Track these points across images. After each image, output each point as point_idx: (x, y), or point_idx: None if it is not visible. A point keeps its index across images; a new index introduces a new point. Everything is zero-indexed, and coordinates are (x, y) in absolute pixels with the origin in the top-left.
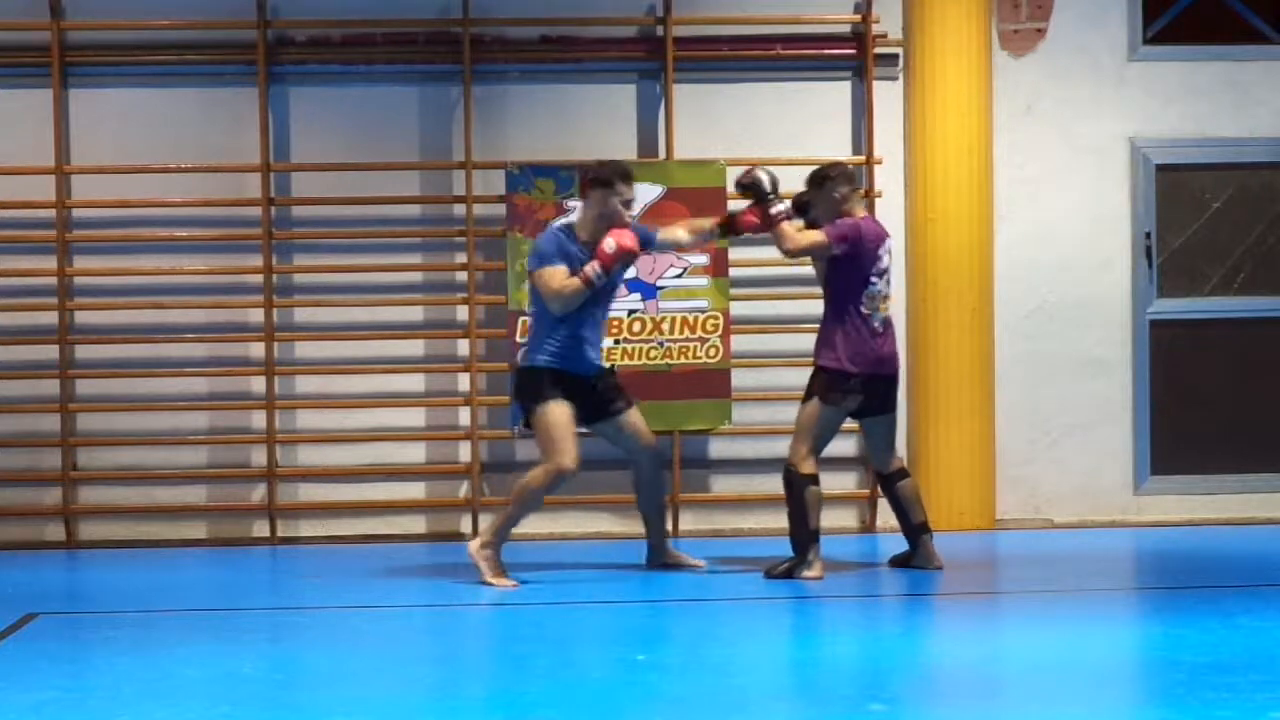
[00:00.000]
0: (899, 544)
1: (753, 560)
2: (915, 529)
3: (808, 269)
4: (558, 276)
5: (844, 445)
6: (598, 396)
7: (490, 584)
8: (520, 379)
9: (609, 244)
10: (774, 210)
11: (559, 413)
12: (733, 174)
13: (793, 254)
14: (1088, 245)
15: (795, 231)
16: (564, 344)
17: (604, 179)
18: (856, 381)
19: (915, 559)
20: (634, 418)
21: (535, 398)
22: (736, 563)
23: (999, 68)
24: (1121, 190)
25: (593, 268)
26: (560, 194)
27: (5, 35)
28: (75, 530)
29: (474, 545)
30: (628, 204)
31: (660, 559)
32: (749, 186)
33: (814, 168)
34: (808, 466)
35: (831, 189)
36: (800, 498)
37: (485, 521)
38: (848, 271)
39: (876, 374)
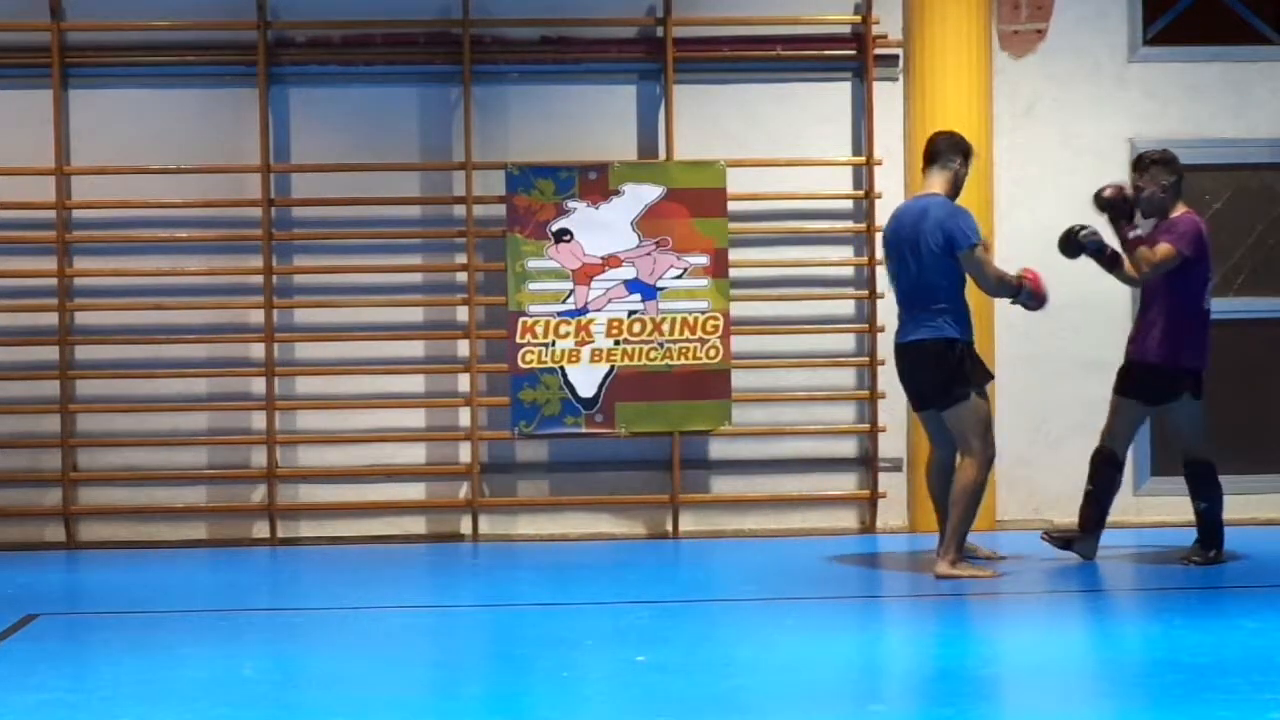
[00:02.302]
0: (900, 544)
1: (751, 562)
2: (1101, 521)
3: (812, 270)
4: (992, 259)
5: (844, 445)
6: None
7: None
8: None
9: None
10: (1131, 235)
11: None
12: (733, 174)
13: (1148, 278)
14: None
15: (1149, 252)
16: (968, 316)
17: (966, 151)
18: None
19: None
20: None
21: (967, 380)
22: (734, 564)
23: (999, 69)
24: None
25: (1028, 285)
26: (560, 194)
27: (5, 36)
28: (75, 531)
29: (942, 566)
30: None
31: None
32: (1112, 204)
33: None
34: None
35: (1158, 176)
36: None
37: (486, 526)
38: (1190, 271)
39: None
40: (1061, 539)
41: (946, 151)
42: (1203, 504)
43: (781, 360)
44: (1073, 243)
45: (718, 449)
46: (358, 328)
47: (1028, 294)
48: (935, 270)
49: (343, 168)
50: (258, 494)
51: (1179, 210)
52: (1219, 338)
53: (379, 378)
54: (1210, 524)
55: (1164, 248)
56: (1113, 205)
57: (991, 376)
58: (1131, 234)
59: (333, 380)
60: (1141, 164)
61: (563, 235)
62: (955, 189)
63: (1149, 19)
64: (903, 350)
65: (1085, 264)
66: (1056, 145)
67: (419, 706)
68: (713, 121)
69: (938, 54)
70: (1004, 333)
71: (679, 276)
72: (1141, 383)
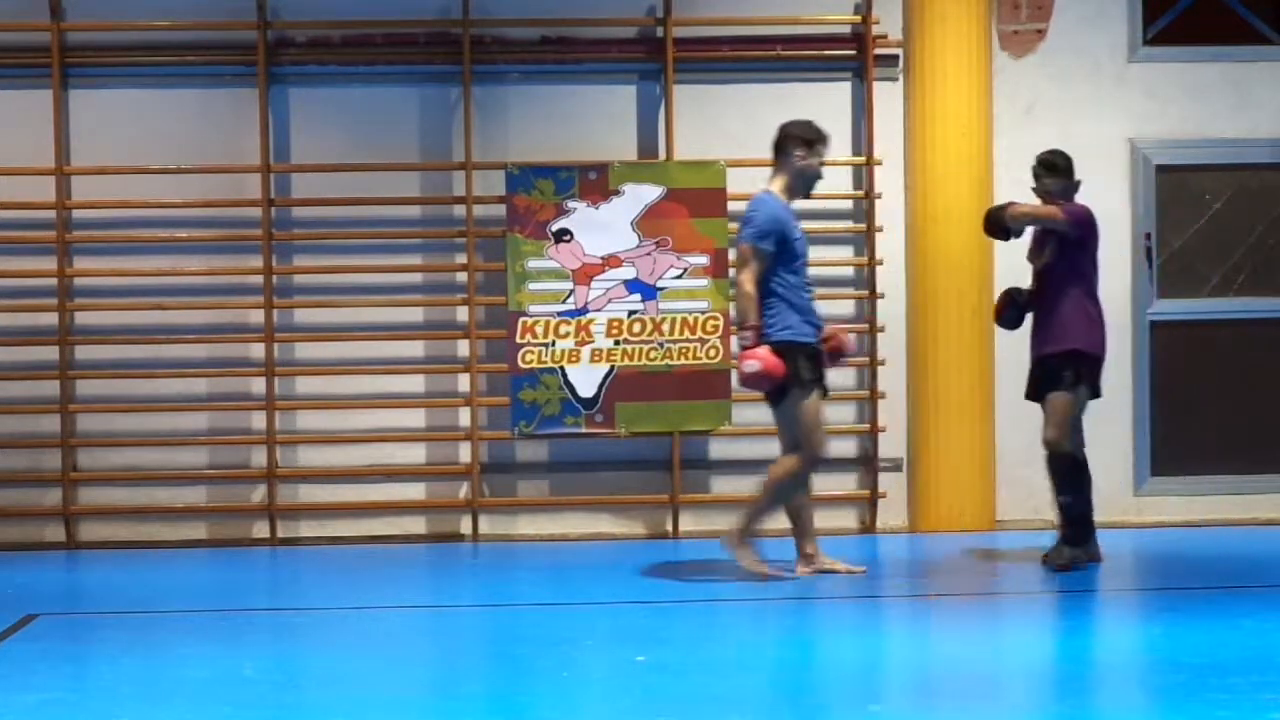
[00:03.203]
0: (901, 544)
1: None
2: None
3: (811, 270)
4: (755, 273)
5: (844, 446)
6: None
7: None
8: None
9: (751, 365)
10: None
11: (814, 394)
12: (733, 174)
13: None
14: None
15: (1049, 212)
16: (798, 313)
17: (809, 139)
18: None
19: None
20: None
21: (797, 381)
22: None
23: (999, 69)
24: (1122, 191)
25: (747, 336)
26: (560, 194)
27: (5, 36)
28: (75, 531)
29: (729, 539)
30: (822, 165)
31: (823, 565)
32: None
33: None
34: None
35: (1057, 179)
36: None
37: (486, 526)
38: (1076, 256)
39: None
40: (1068, 565)
41: (785, 144)
42: (1065, 498)
43: None
44: (1000, 224)
45: (718, 449)
46: (358, 328)
47: (744, 343)
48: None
49: (343, 168)
50: (258, 494)
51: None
52: (1219, 338)
53: (379, 378)
54: (1072, 521)
55: (1062, 216)
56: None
57: (823, 379)
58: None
59: (333, 380)
60: (1054, 167)
61: (563, 235)
62: (798, 182)
63: (1149, 19)
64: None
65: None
66: (1056, 145)
67: (419, 706)
68: (713, 121)
69: (938, 54)
70: (1004, 333)
71: (679, 276)
72: (1057, 373)
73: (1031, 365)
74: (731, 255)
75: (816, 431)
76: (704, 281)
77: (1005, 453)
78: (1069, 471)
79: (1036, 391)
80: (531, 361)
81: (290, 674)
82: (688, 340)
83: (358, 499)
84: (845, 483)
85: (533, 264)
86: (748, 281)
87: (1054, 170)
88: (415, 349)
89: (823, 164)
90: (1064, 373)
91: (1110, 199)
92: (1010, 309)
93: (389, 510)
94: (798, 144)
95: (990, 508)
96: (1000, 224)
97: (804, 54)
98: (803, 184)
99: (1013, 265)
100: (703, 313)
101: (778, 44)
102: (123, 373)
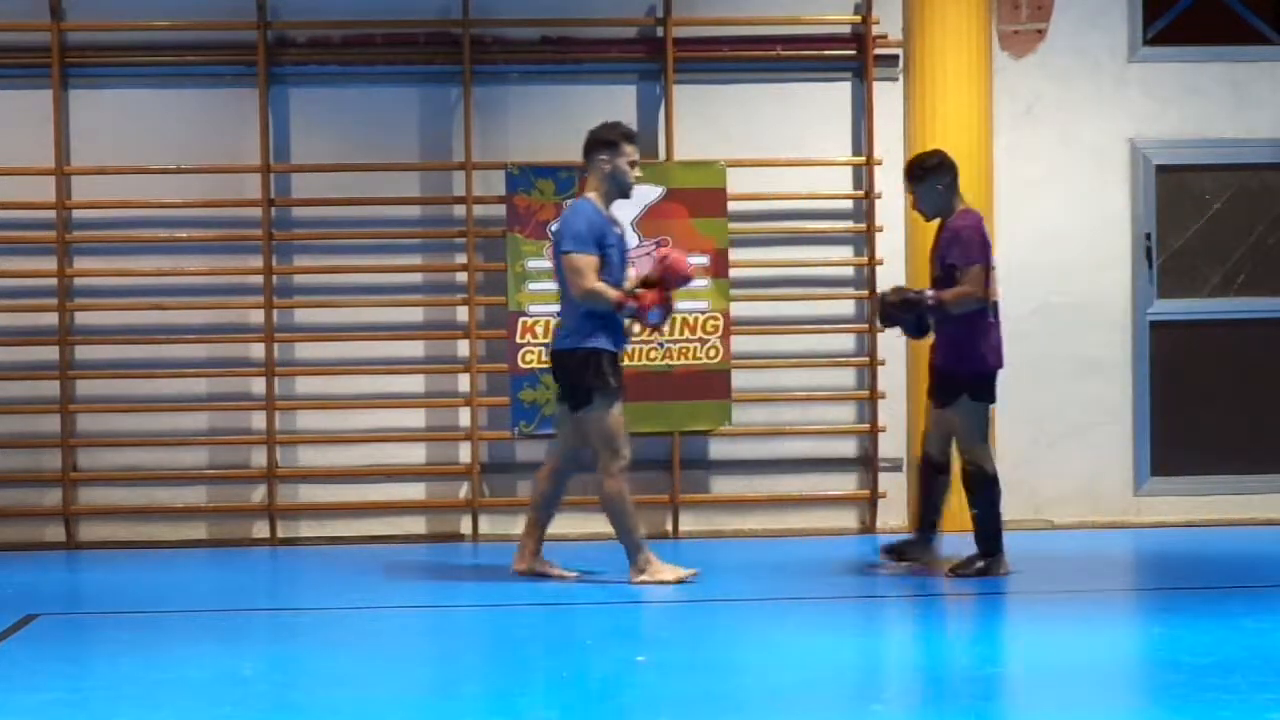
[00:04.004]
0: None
1: (751, 562)
2: (934, 524)
3: (811, 270)
4: (590, 268)
5: (844, 446)
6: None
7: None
8: (573, 363)
9: (655, 316)
10: (930, 299)
11: (618, 403)
12: (733, 174)
13: (979, 302)
14: (1088, 246)
15: (958, 292)
16: (605, 321)
17: (610, 140)
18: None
19: (913, 550)
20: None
21: (599, 387)
22: (735, 564)
23: (999, 69)
24: (1122, 191)
25: (630, 305)
26: (560, 194)
27: (5, 36)
28: (75, 531)
29: (633, 575)
30: (633, 165)
31: (538, 567)
32: (898, 309)
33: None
34: (990, 464)
35: (935, 181)
36: (992, 496)
37: (486, 526)
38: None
39: (1000, 366)
40: (977, 575)
41: (591, 149)
42: (974, 510)
43: (781, 360)
44: (890, 311)
45: (718, 449)
46: (358, 328)
47: (631, 311)
48: (563, 275)
49: (343, 168)
50: (258, 494)
51: (960, 207)
52: (1219, 338)
53: (379, 378)
54: (982, 532)
55: (965, 282)
56: (899, 309)
57: (622, 389)
58: (930, 299)
59: (333, 380)
60: (915, 174)
61: None
62: (610, 185)
63: (1149, 19)
64: (551, 356)
65: (1087, 266)
66: (1056, 145)
67: (419, 706)
68: (713, 121)
69: (938, 54)
70: (1004, 333)
71: None
72: (947, 388)
73: (934, 374)
74: (733, 255)
75: (619, 438)
76: (704, 282)
77: (1005, 453)
78: (981, 485)
79: (939, 399)
80: (531, 361)
81: (290, 674)
82: (688, 340)
83: (358, 499)
84: (845, 483)
85: (533, 264)
86: (589, 284)
87: (922, 179)
88: (415, 349)
89: (633, 162)
90: (966, 388)
91: (1110, 199)
92: (896, 315)
93: (389, 510)
94: (601, 148)
95: None
96: (899, 311)
97: (804, 54)
98: (615, 186)
99: (1013, 265)
100: (703, 313)
101: (778, 44)
102: (123, 373)
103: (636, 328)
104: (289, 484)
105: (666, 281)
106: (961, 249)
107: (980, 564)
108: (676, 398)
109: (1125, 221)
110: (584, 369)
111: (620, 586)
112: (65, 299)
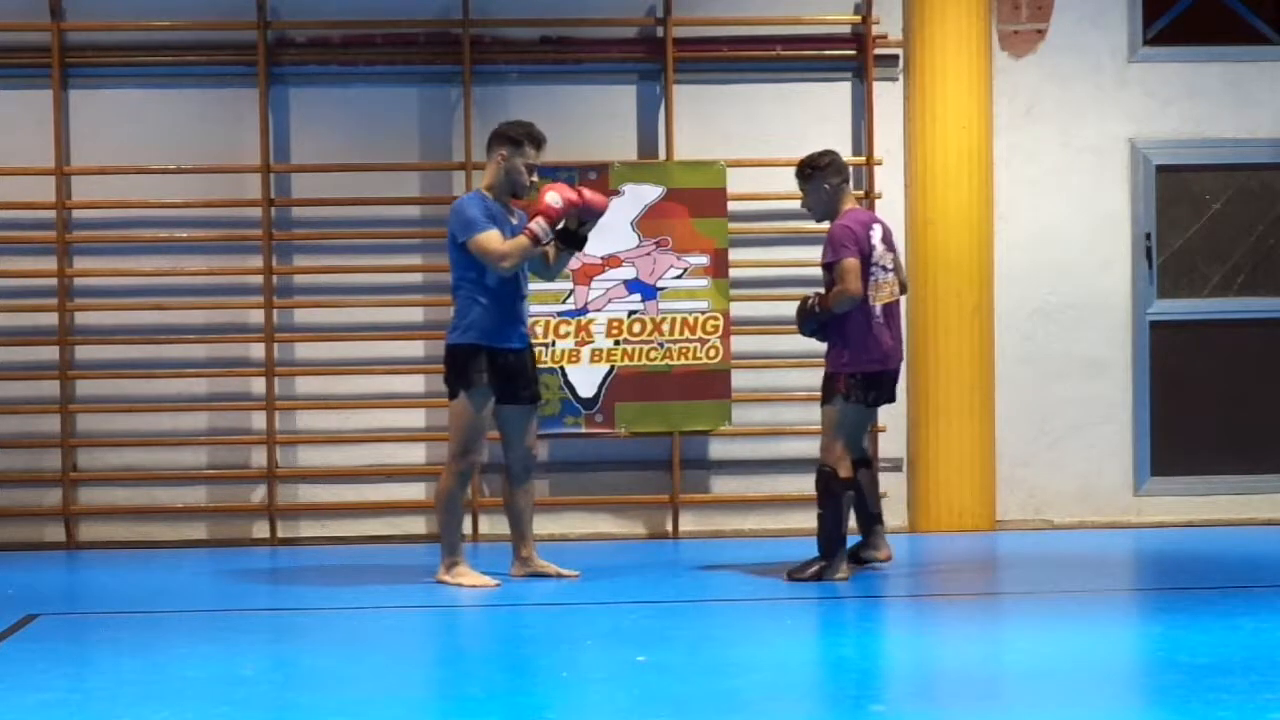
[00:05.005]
0: (901, 544)
1: (751, 562)
2: (873, 517)
3: (812, 270)
4: (495, 239)
5: None
6: (517, 377)
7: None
8: (451, 357)
9: (553, 198)
10: (814, 304)
11: (484, 405)
12: (733, 174)
13: (857, 299)
14: (1088, 246)
15: (837, 293)
16: (494, 318)
17: (513, 138)
18: (871, 378)
19: (866, 550)
20: (533, 413)
21: (465, 381)
22: (735, 564)
23: (999, 69)
24: (1122, 191)
25: (539, 224)
26: None
27: (5, 36)
28: (75, 531)
29: (440, 573)
30: (531, 169)
31: (535, 568)
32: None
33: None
34: (845, 469)
35: (821, 181)
36: (838, 501)
37: (486, 526)
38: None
39: (885, 369)
40: (811, 579)
41: (493, 142)
42: (820, 511)
43: (781, 360)
44: (799, 320)
45: (718, 449)
46: (358, 328)
47: (545, 231)
48: (454, 268)
49: (343, 168)
50: (258, 494)
51: (847, 206)
52: (1219, 338)
53: (379, 378)
54: (823, 535)
55: (837, 279)
56: (800, 317)
57: (490, 389)
58: (811, 302)
59: (333, 380)
60: (804, 172)
61: None
62: (502, 181)
63: (1149, 19)
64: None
65: (1087, 266)
66: (1056, 145)
67: (419, 706)
68: (713, 121)
69: (938, 54)
70: (1004, 334)
71: (679, 276)
72: (825, 386)
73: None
74: (733, 255)
75: (472, 438)
76: (704, 281)
77: (1005, 453)
78: (830, 488)
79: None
80: None
81: (290, 674)
82: (688, 340)
83: (358, 499)
84: None
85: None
86: (501, 250)
87: (810, 177)
88: (415, 349)
89: (531, 166)
90: (841, 388)
91: (1110, 199)
92: (803, 323)
93: (389, 510)
94: (504, 143)
95: (990, 508)
96: (801, 319)
97: (804, 54)
98: (507, 184)
99: (1013, 265)
100: (703, 313)
101: (778, 44)
102: (123, 373)
103: (566, 255)
104: (289, 484)
105: (579, 213)
106: (832, 248)
107: (815, 568)
108: (676, 398)
109: (1125, 221)
110: (456, 362)
111: (620, 586)
112: (65, 299)
